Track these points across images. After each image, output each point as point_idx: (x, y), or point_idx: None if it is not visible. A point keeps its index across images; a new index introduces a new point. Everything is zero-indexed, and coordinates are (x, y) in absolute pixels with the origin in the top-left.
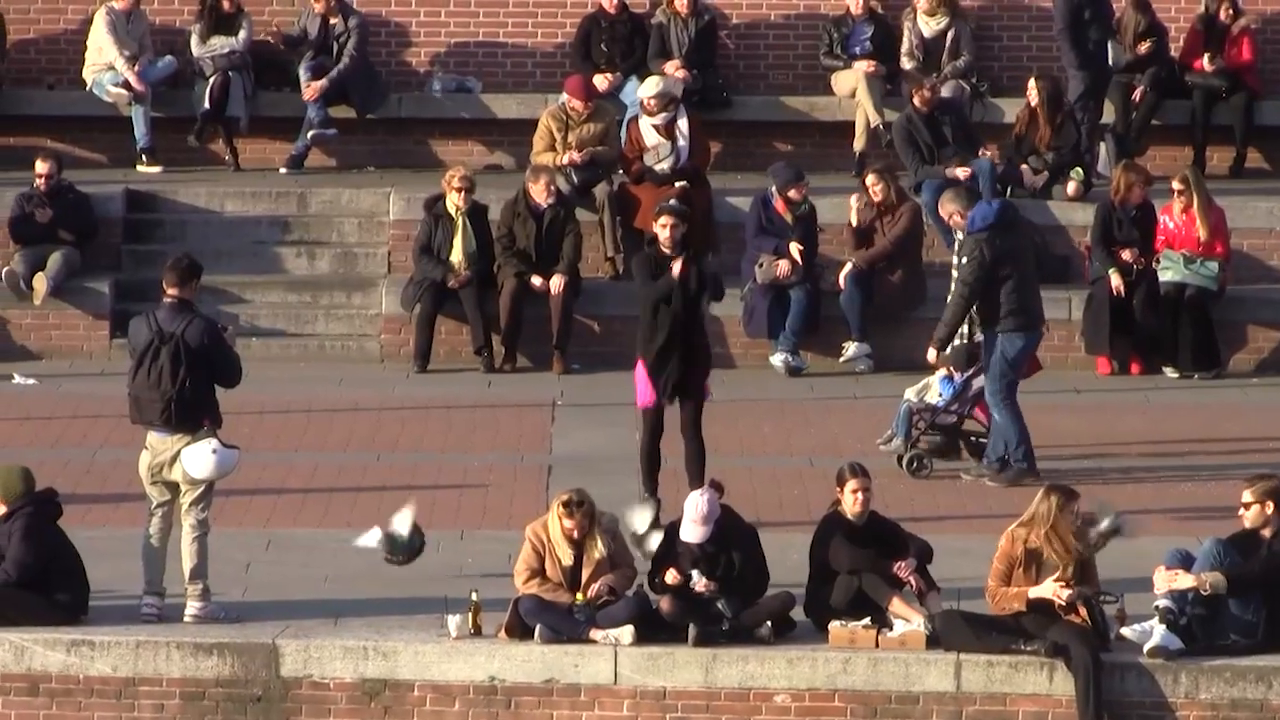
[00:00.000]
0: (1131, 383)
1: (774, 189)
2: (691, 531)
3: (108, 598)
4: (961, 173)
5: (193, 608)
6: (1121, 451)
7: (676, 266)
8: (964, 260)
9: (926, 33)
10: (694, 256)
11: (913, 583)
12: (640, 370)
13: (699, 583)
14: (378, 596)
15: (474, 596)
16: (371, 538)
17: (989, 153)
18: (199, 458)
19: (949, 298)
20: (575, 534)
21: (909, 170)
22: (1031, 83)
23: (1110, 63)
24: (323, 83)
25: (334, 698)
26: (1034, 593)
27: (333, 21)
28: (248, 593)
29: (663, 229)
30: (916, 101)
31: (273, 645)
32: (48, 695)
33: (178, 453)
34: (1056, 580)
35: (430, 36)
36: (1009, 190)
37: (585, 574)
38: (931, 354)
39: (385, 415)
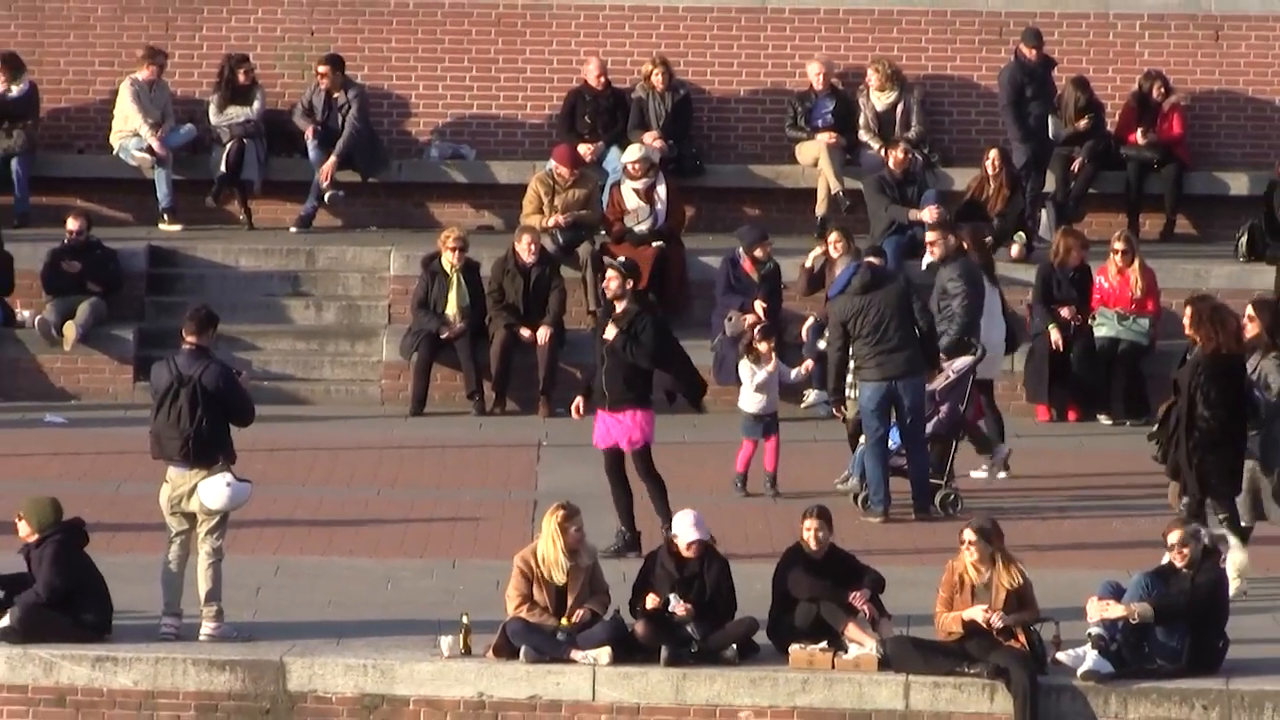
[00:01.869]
0: (1068, 429)
1: (741, 249)
2: (689, 533)
3: (130, 618)
4: (928, 214)
5: (207, 627)
6: (1058, 490)
7: (610, 331)
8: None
9: (879, 106)
10: (641, 314)
11: (866, 610)
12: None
13: (677, 605)
14: (377, 619)
15: (465, 620)
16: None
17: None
18: (214, 490)
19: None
20: (571, 541)
21: (873, 225)
22: (992, 152)
23: (1051, 136)
24: (332, 160)
25: (336, 711)
26: (966, 614)
27: (335, 94)
28: (258, 614)
29: (607, 281)
30: (891, 164)
31: (280, 662)
32: (74, 707)
33: (195, 486)
34: (985, 607)
35: (428, 107)
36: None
37: (571, 595)
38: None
39: (385, 454)
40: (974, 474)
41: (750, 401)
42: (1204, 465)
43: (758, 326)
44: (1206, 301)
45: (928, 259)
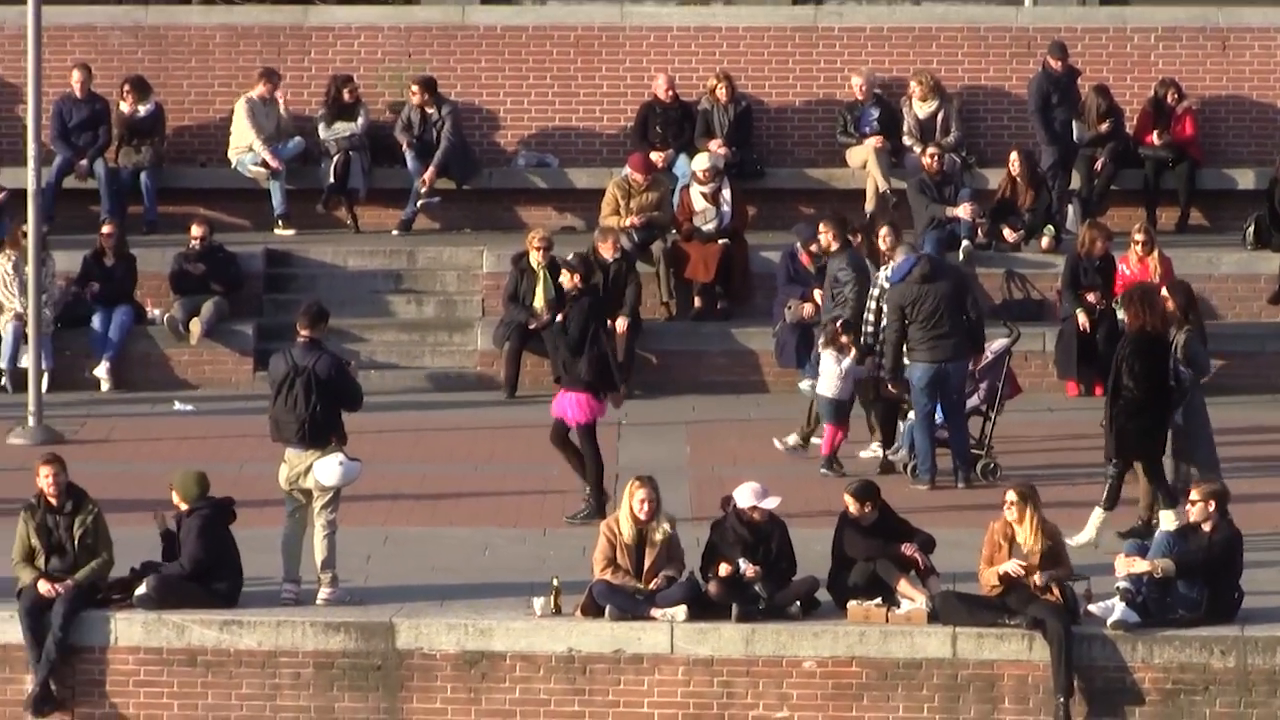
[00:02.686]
0: (1094, 402)
1: (798, 244)
2: (749, 500)
3: (253, 585)
4: (963, 211)
5: (324, 593)
6: (1086, 460)
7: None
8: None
9: (921, 115)
10: (576, 307)
11: (919, 560)
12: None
13: (746, 567)
14: (475, 583)
15: (555, 582)
16: None
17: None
18: (328, 468)
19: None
20: (646, 509)
21: (916, 222)
22: (1013, 155)
23: (1075, 138)
24: (432, 170)
25: (440, 666)
26: (1001, 568)
27: (429, 111)
28: (368, 580)
29: (564, 279)
30: (928, 169)
31: (390, 623)
32: (204, 666)
33: (310, 465)
34: (1017, 560)
35: (515, 121)
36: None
37: (649, 558)
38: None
39: (480, 433)
40: (862, 454)
41: (831, 389)
42: (1124, 430)
43: (839, 320)
44: (1139, 286)
45: (964, 248)
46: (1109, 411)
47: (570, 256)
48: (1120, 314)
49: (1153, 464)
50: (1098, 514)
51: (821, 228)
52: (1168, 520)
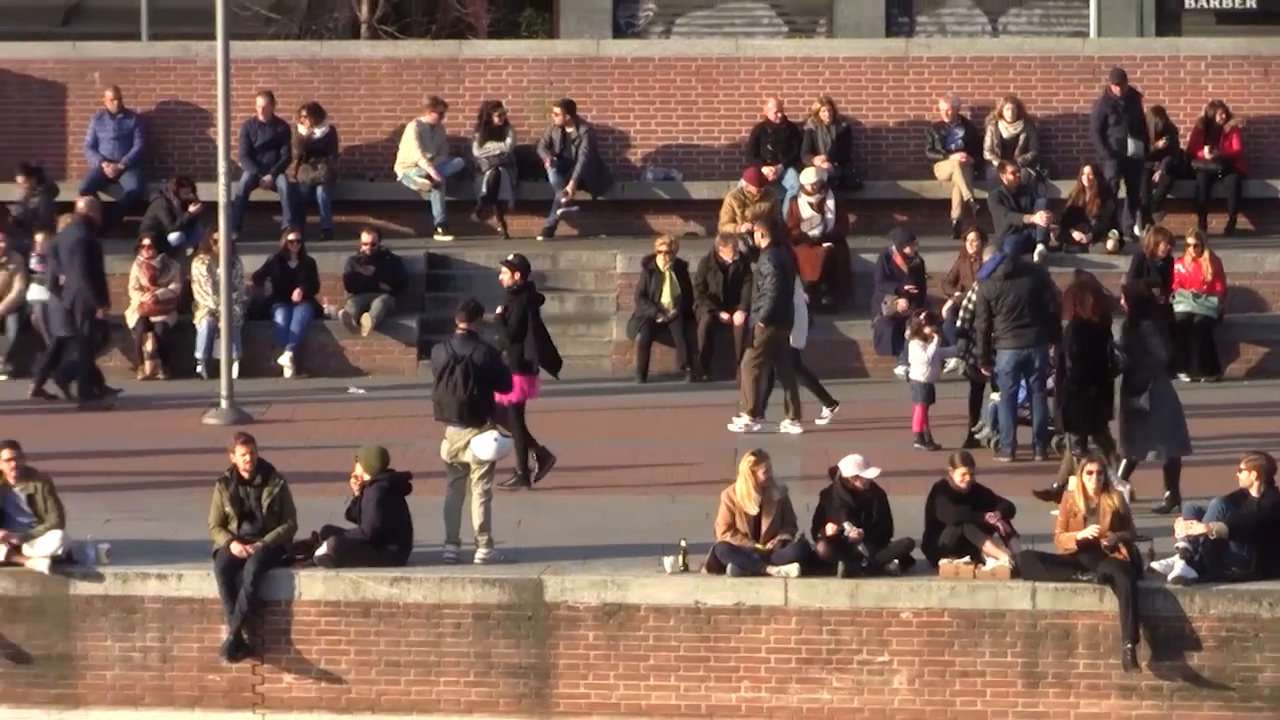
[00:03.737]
0: None
1: (893, 247)
2: (852, 469)
3: (420, 546)
4: (1039, 218)
5: (481, 553)
6: None
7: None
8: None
9: (1005, 134)
10: (515, 300)
11: (1001, 527)
12: None
13: (851, 530)
14: (614, 543)
15: (683, 544)
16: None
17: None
18: (484, 444)
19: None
20: (762, 478)
21: (996, 227)
22: (1086, 169)
23: (1130, 154)
24: (571, 183)
25: (583, 617)
26: (1079, 535)
27: (569, 130)
28: (520, 541)
29: (502, 275)
30: (1005, 180)
31: (539, 579)
32: (376, 617)
33: (468, 441)
34: (1096, 526)
35: (643, 140)
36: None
37: (765, 522)
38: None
39: (616, 413)
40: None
41: (920, 373)
42: (1068, 407)
43: (924, 314)
44: (1077, 281)
45: (1039, 251)
46: (1056, 389)
47: (510, 256)
48: (1177, 307)
49: (1099, 434)
50: (1064, 465)
51: (757, 228)
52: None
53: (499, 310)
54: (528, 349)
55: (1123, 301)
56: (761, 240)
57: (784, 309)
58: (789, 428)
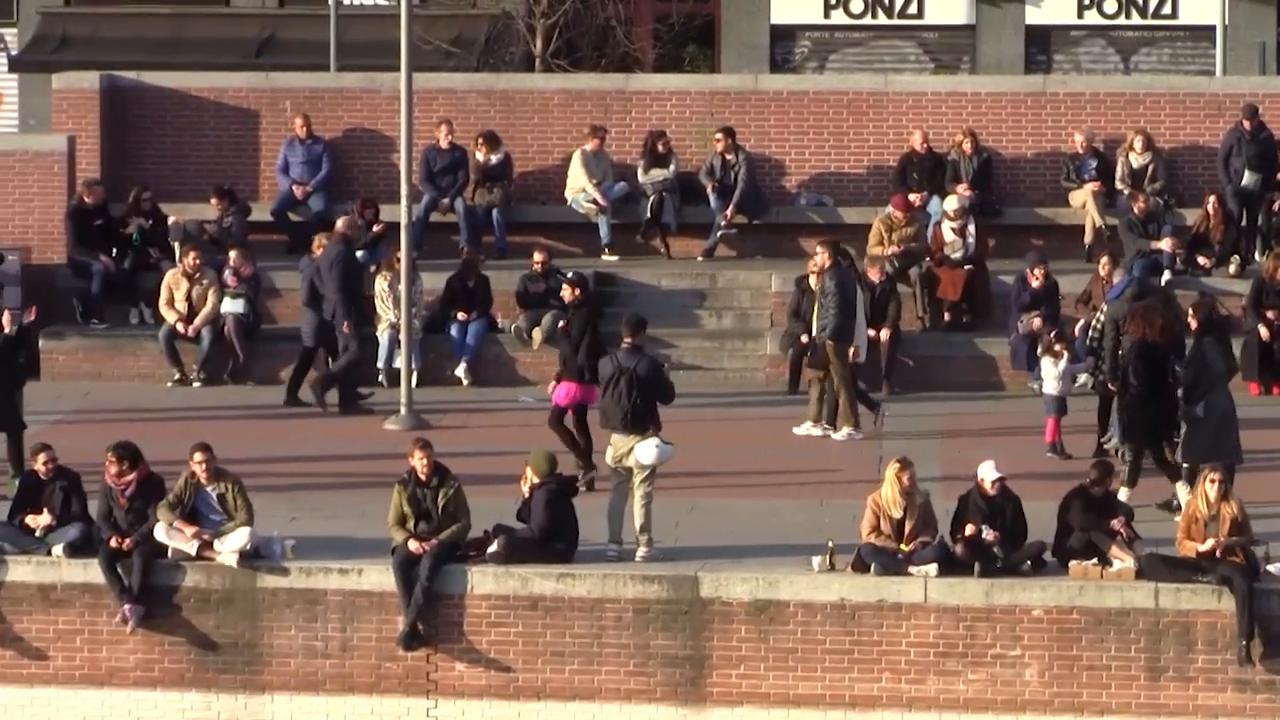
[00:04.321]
0: (1273, 400)
1: (1028, 269)
2: (992, 474)
3: (585, 545)
4: (1165, 244)
5: (642, 551)
6: (1265, 445)
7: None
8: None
9: (1135, 165)
10: (577, 315)
11: (1125, 532)
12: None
13: (987, 533)
14: (765, 544)
15: (830, 544)
16: None
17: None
18: (647, 450)
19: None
20: (907, 484)
21: (1126, 252)
22: (1211, 198)
23: (1245, 185)
24: (731, 208)
25: (736, 612)
26: (1200, 549)
27: (729, 158)
28: (678, 541)
29: (565, 292)
30: (1135, 209)
31: (695, 576)
32: (543, 610)
33: (632, 447)
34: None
35: (797, 168)
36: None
37: (907, 525)
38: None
39: (767, 422)
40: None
41: (1052, 387)
42: (1131, 420)
43: (1055, 332)
44: (1142, 304)
45: (1166, 276)
46: (1120, 404)
47: (570, 274)
48: None
49: (1155, 448)
50: (1123, 493)
51: (818, 249)
52: (1183, 493)
53: (562, 324)
54: (584, 359)
55: (1190, 317)
56: (825, 262)
57: (846, 326)
58: (814, 431)
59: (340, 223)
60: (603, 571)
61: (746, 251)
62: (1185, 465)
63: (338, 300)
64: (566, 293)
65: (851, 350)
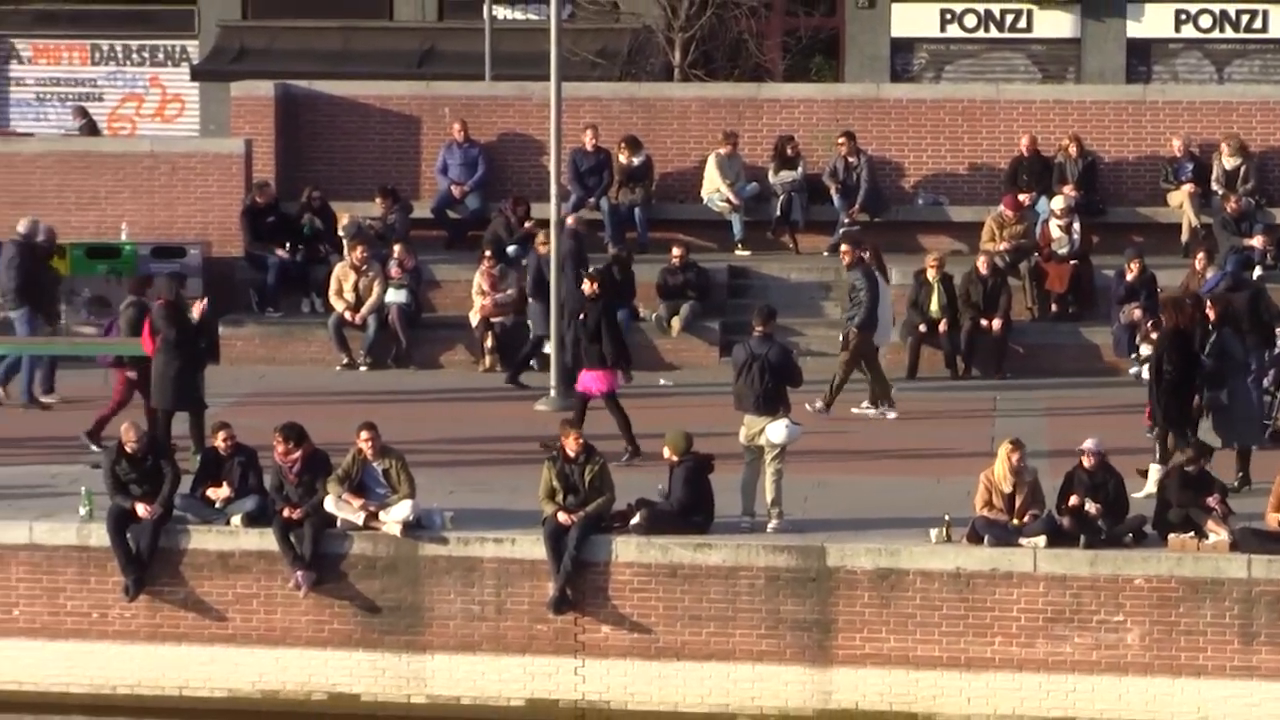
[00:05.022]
0: None
1: (1127, 264)
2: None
3: (720, 517)
4: (1257, 241)
5: (773, 524)
6: None
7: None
8: None
9: (1228, 167)
10: (593, 307)
11: (1219, 508)
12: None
13: (1091, 506)
14: (887, 516)
15: (946, 518)
16: None
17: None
18: (778, 430)
19: None
20: (1016, 463)
21: (1220, 248)
22: None
23: None
24: (855, 206)
25: (859, 580)
26: None
27: (851, 160)
28: (806, 514)
29: (585, 284)
30: (1229, 208)
31: (822, 546)
32: (682, 577)
33: (763, 428)
34: None
35: (915, 169)
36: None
37: (1018, 500)
38: None
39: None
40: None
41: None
42: (1166, 404)
43: (1153, 321)
44: (1171, 296)
45: (1257, 272)
46: (1153, 390)
47: (590, 269)
48: None
49: (1180, 430)
50: (1154, 469)
51: (842, 246)
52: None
53: (580, 315)
54: (605, 348)
55: (1209, 310)
56: (846, 256)
57: (874, 317)
58: (869, 411)
59: (570, 219)
60: (736, 542)
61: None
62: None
63: (570, 290)
64: (586, 286)
65: (874, 338)
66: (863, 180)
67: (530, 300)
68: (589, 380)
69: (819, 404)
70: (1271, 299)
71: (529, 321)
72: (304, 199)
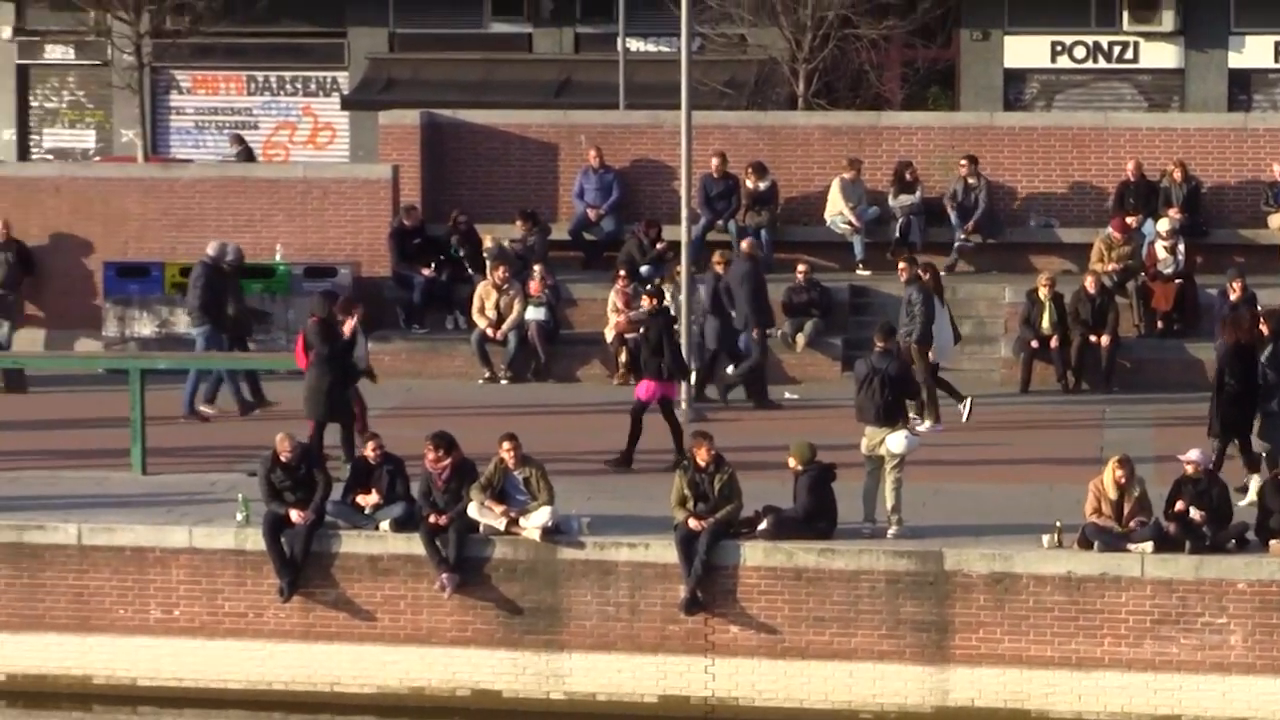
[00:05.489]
0: None
1: (1229, 283)
2: (1196, 457)
3: (842, 523)
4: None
5: (892, 530)
6: None
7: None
8: None
9: None
10: (654, 321)
11: None
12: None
13: (1196, 514)
14: (1001, 523)
15: (1058, 524)
16: None
17: None
18: (897, 441)
19: None
20: (1122, 479)
21: None
22: None
23: None
24: (971, 224)
25: (975, 583)
26: None
27: (971, 182)
28: (924, 520)
29: (644, 300)
30: None
31: (939, 551)
32: (806, 580)
33: (883, 438)
34: None
35: (1027, 193)
36: None
37: (1126, 508)
38: None
39: (1002, 418)
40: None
41: None
42: (1225, 414)
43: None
44: (1232, 312)
45: None
46: (1215, 401)
47: (649, 285)
48: None
49: (1244, 439)
50: (1254, 480)
51: (900, 264)
52: (1254, 484)
53: (641, 330)
54: (666, 359)
55: (1262, 325)
56: (903, 273)
57: (929, 332)
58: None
59: (745, 244)
60: (858, 547)
61: (983, 267)
62: (1264, 455)
63: (748, 310)
64: (645, 302)
65: (931, 353)
66: (980, 202)
67: (708, 316)
68: (644, 389)
69: (927, 423)
70: None
71: (704, 336)
72: (450, 223)
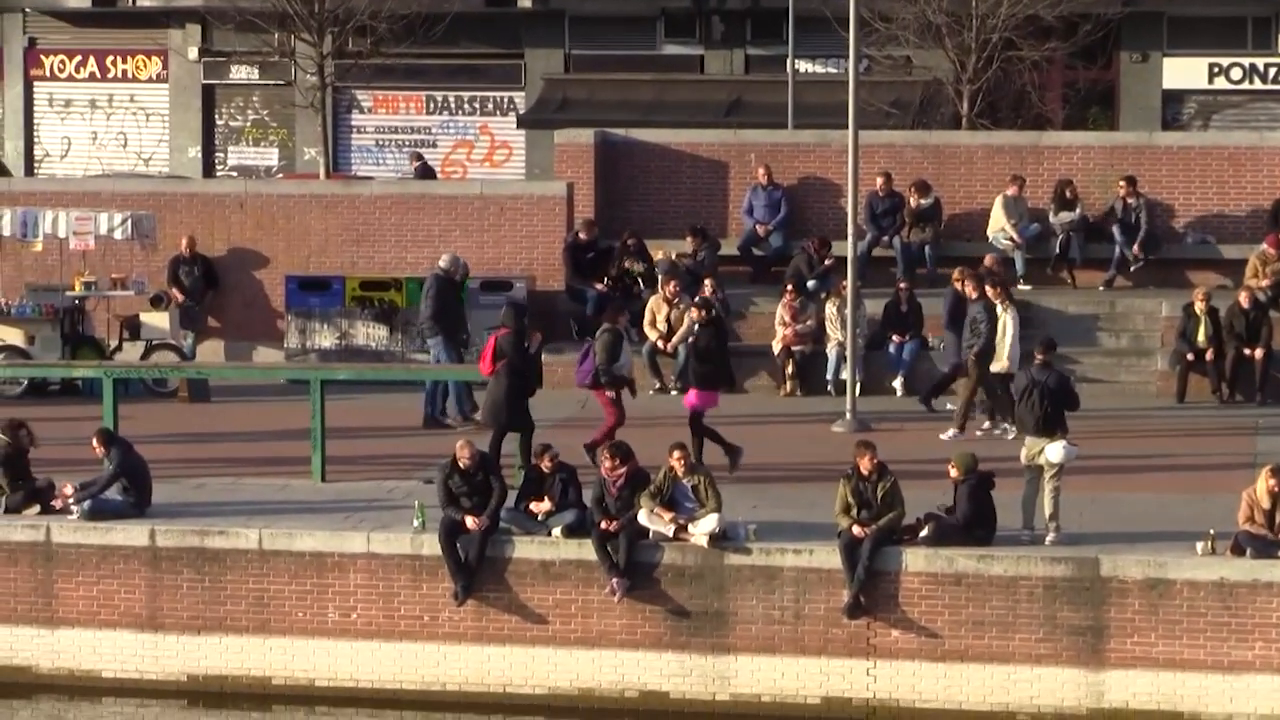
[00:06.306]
0: None
1: None
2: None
3: (1001, 531)
4: None
5: (1050, 537)
6: None
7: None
8: None
9: None
10: (704, 330)
11: None
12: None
13: None
14: (1156, 530)
15: (1211, 532)
16: None
17: None
18: (1056, 450)
19: None
20: (1275, 488)
21: None
22: None
23: None
24: (1137, 245)
25: (1130, 589)
26: None
27: (1129, 201)
28: (1081, 528)
29: (695, 311)
30: None
31: (1095, 558)
32: (966, 586)
33: (1043, 448)
34: None
35: (1185, 211)
36: None
37: (1278, 516)
38: None
39: (1159, 429)
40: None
41: None
42: None
43: None
44: None
45: None
46: None
47: (696, 298)
48: None
49: None
50: None
51: (967, 282)
52: None
53: (691, 340)
54: (714, 368)
55: None
56: (972, 293)
57: (991, 347)
58: (995, 429)
59: (988, 259)
60: (1017, 553)
61: (1140, 282)
62: None
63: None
64: (694, 314)
65: (1001, 364)
66: (1142, 221)
67: (945, 331)
68: (695, 398)
69: (951, 431)
70: None
71: (942, 349)
72: (622, 243)
